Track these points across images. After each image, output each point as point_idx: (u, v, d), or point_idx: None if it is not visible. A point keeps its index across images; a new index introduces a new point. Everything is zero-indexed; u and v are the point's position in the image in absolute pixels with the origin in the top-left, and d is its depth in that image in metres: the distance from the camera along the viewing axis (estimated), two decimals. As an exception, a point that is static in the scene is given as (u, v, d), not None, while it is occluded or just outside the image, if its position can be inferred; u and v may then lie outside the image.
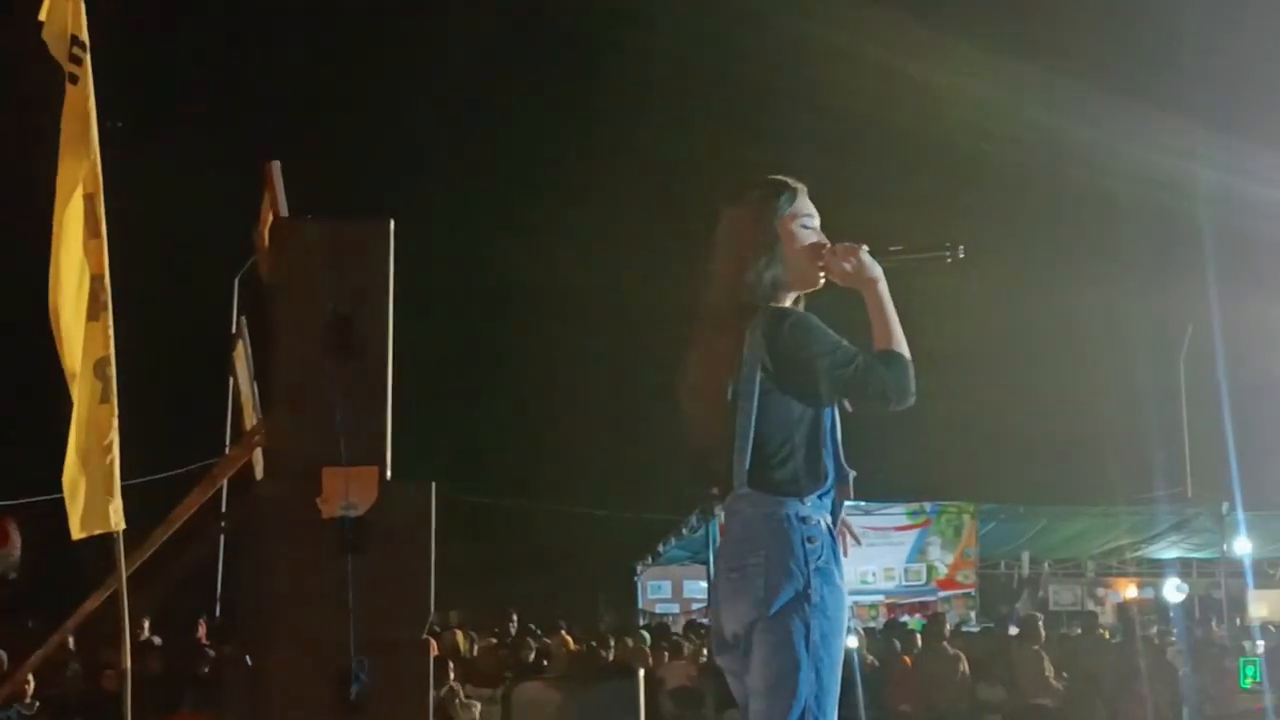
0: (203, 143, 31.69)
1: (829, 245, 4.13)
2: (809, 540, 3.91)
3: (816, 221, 4.18)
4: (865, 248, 4.10)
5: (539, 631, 17.80)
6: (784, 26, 30.43)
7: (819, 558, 3.91)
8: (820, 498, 3.97)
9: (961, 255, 4.11)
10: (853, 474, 4.06)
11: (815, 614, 3.87)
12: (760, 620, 3.86)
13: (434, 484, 5.68)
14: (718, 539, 22.24)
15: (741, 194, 4.19)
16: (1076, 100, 29.51)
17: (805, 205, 4.17)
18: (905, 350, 4.02)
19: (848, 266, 4.08)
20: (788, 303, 4.12)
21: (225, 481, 6.78)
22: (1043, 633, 16.19)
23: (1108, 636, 17.54)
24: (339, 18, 36.80)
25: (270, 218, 6.16)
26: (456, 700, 13.43)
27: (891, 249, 4.14)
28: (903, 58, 30.15)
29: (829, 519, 3.99)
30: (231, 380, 8.95)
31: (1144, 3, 33.17)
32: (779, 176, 4.21)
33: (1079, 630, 17.79)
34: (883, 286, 4.08)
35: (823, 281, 4.14)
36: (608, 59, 36.33)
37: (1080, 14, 33.58)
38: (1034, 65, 29.77)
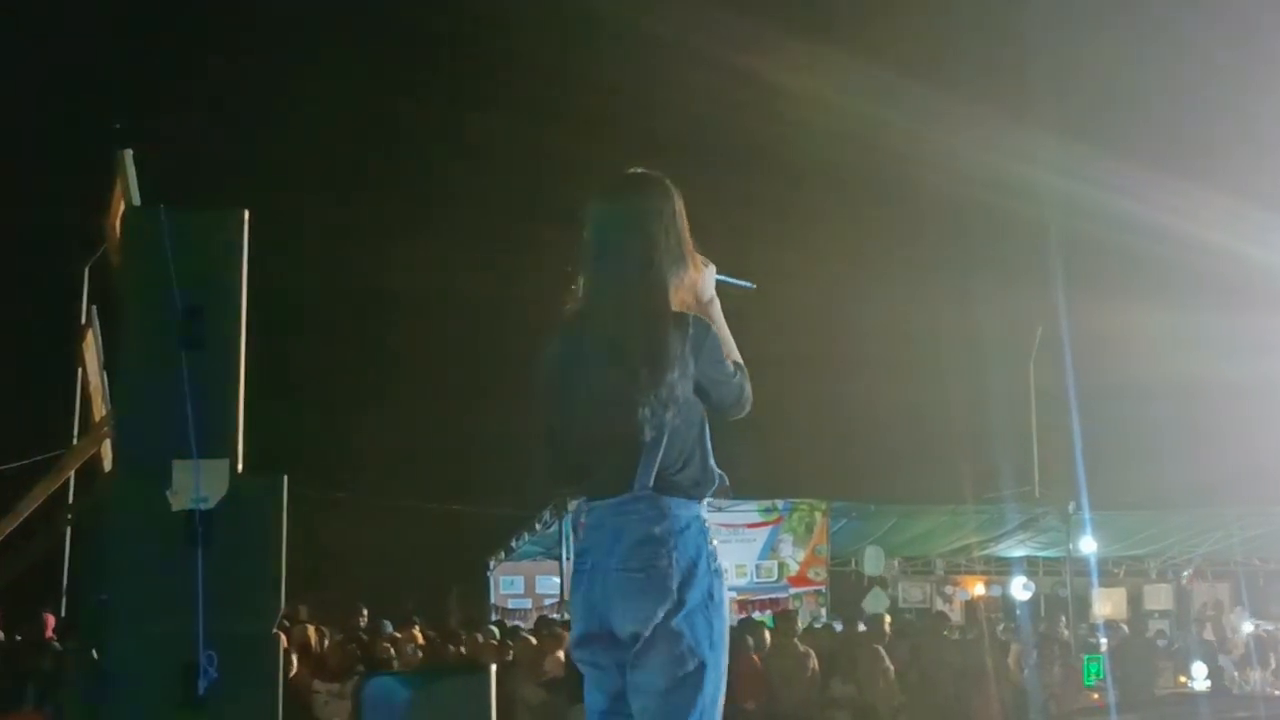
0: (55, 128, 31.19)
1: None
2: (709, 542, 3.99)
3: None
4: (712, 265, 4.17)
5: (390, 626, 17.69)
6: (634, 27, 30.47)
7: (715, 558, 3.99)
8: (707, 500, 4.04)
9: (754, 289, 4.33)
10: (725, 478, 4.12)
11: (716, 613, 3.96)
12: (669, 621, 3.89)
13: (285, 477, 5.65)
14: (574, 536, 22.18)
15: (664, 190, 4.15)
16: (925, 105, 29.84)
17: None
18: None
19: (700, 278, 4.14)
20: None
21: (73, 473, 6.70)
22: (888, 631, 16.38)
23: (951, 634, 17.75)
24: (205, 6, 36.42)
25: (121, 207, 6.10)
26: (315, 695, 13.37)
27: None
28: (753, 60, 30.33)
29: None
30: (80, 370, 8.83)
31: (991, 10, 33.60)
32: (665, 178, 4.21)
33: (918, 631, 17.96)
34: (718, 303, 4.21)
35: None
36: (460, 60, 36.29)
37: (928, 19, 33.98)
38: (885, 70, 30.05)
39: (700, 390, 3.99)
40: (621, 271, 4.05)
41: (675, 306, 4.02)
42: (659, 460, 3.93)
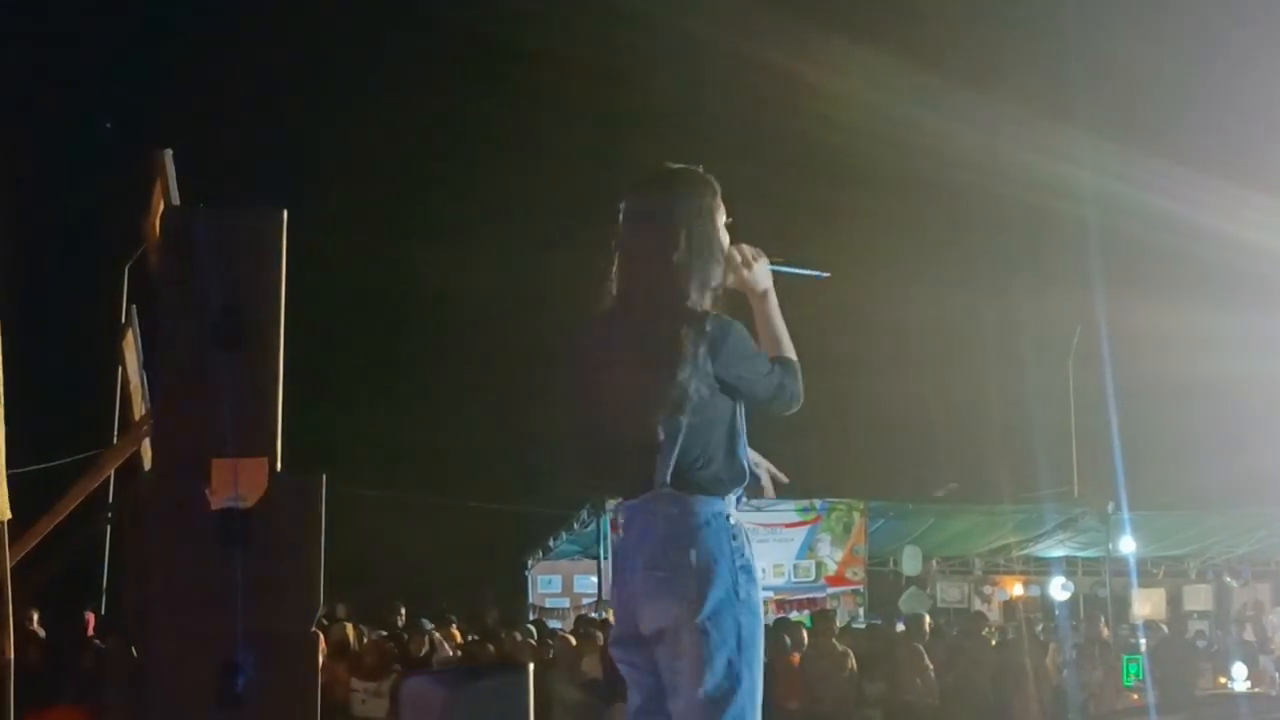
0: (94, 129, 31.33)
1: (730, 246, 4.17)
2: (733, 538, 3.96)
3: (726, 220, 4.20)
4: (764, 255, 4.14)
5: (428, 625, 17.74)
6: (676, 27, 30.45)
7: (742, 555, 3.96)
8: (737, 497, 4.02)
9: (827, 277, 4.30)
10: (760, 474, 4.12)
11: (744, 611, 3.92)
12: (693, 620, 3.88)
13: (324, 476, 5.66)
14: (612, 535, 22.28)
15: (692, 187, 4.15)
16: (966, 105, 29.74)
17: (721, 204, 4.18)
18: (795, 356, 4.10)
19: (747, 272, 4.12)
20: (708, 302, 4.11)
21: (113, 472, 6.72)
22: (928, 631, 16.33)
23: (991, 635, 17.70)
24: (239, 7, 36.50)
25: (161, 206, 6.11)
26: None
27: (773, 260, 4.18)
28: (795, 60, 30.27)
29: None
30: (120, 369, 8.86)
31: (1032, 9, 33.50)
32: (702, 171, 4.20)
33: (955, 631, 17.91)
34: (774, 294, 4.16)
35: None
36: (510, 61, 36.25)
37: (969, 20, 33.87)
38: (924, 70, 29.97)
39: (727, 388, 3.97)
40: (641, 269, 4.07)
41: (705, 304, 4.01)
42: (676, 457, 3.93)
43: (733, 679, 3.88)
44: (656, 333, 3.95)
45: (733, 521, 3.99)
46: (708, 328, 3.93)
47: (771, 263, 4.18)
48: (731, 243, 4.16)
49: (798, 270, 4.27)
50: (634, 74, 32.80)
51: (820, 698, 14.35)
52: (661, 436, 3.91)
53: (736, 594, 3.91)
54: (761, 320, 4.13)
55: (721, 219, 4.14)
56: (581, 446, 4.18)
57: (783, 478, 4.37)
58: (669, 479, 3.94)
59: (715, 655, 3.87)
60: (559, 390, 4.21)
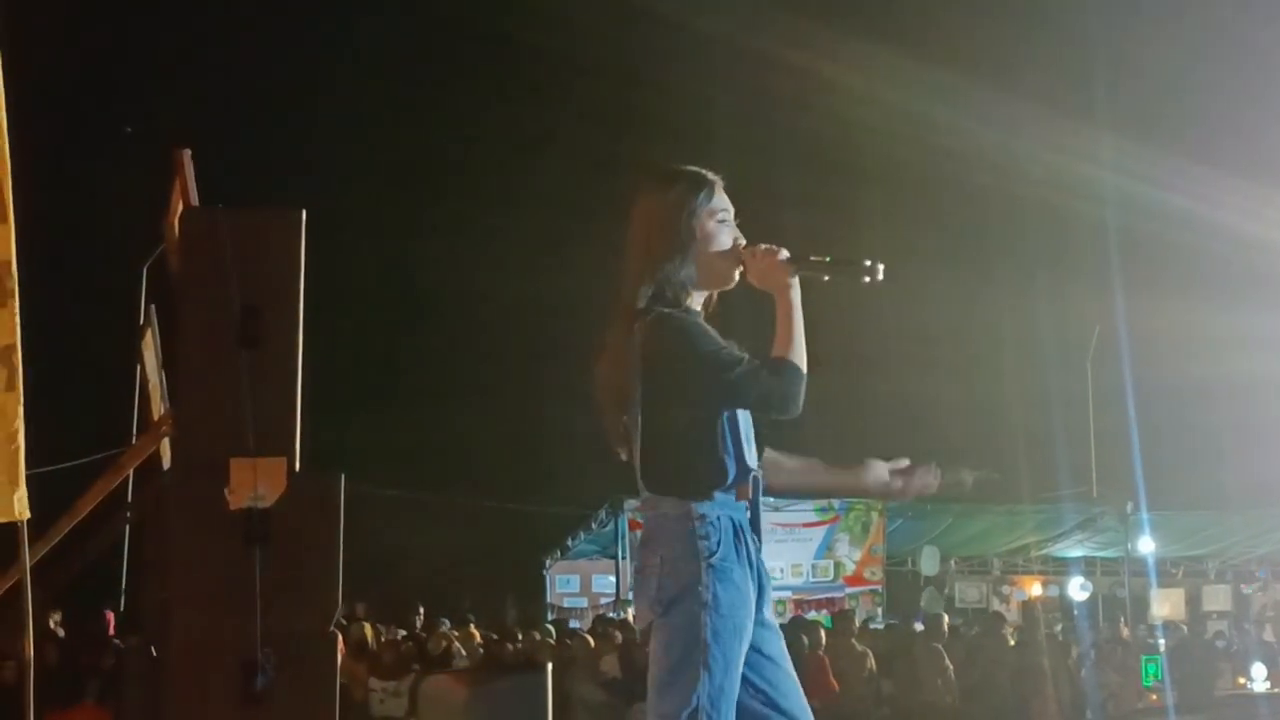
0: (113, 128, 31.36)
1: (746, 244, 4.13)
2: (703, 538, 3.91)
3: (731, 215, 4.16)
4: (785, 252, 4.09)
5: (447, 625, 17.76)
6: (692, 25, 30.42)
7: (713, 555, 3.90)
8: (724, 496, 3.98)
9: (880, 275, 4.09)
10: (758, 473, 4.08)
11: (708, 612, 3.87)
12: (655, 619, 3.91)
13: (343, 476, 5.67)
14: (626, 536, 22.37)
15: (658, 183, 4.15)
16: (986, 104, 29.69)
17: (722, 200, 4.14)
18: (801, 361, 3.98)
19: (765, 269, 4.09)
20: (699, 302, 4.10)
21: (131, 471, 6.73)
22: (946, 631, 16.33)
23: (1011, 635, 17.67)
24: (256, 8, 36.53)
25: (180, 206, 6.12)
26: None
27: (813, 258, 4.11)
28: (810, 59, 30.22)
29: (735, 517, 3.98)
30: (139, 369, 8.87)
31: (1051, 8, 33.44)
32: (697, 169, 4.18)
33: (975, 630, 17.89)
34: (795, 294, 4.05)
35: (737, 281, 4.14)
36: (523, 60, 36.28)
37: (989, 18, 33.80)
38: (943, 69, 29.94)
39: (665, 386, 3.93)
40: (618, 272, 4.11)
41: (667, 301, 4.00)
42: (650, 462, 3.96)
43: (693, 679, 3.84)
44: (619, 335, 3.99)
45: (708, 521, 3.92)
46: (646, 323, 3.93)
47: (810, 261, 4.11)
48: (748, 242, 4.14)
49: (841, 268, 4.12)
50: (649, 73, 32.76)
51: (839, 697, 14.34)
52: (636, 442, 3.96)
53: (700, 595, 3.86)
54: (779, 319, 4.08)
55: (708, 213, 4.09)
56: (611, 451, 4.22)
57: (934, 479, 4.45)
58: (643, 483, 3.99)
59: (668, 655, 3.87)
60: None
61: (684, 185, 4.12)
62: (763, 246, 4.10)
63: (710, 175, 4.17)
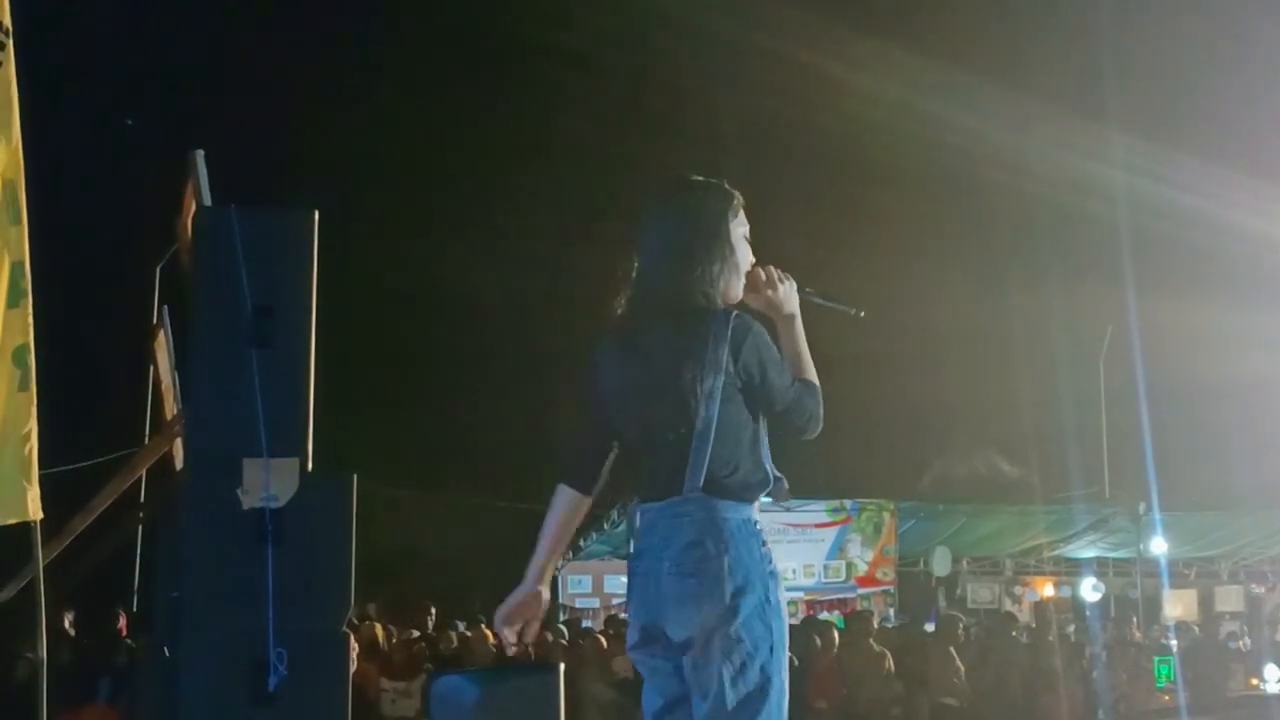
0: (126, 130, 31.41)
1: (756, 265, 4.16)
2: (763, 544, 3.93)
3: (748, 233, 4.19)
4: (791, 280, 4.14)
5: (460, 625, 17.76)
6: (701, 25, 30.41)
7: (770, 560, 3.93)
8: (761, 502, 4.00)
9: (862, 315, 4.28)
10: (783, 481, 4.09)
11: (775, 615, 3.89)
12: (727, 627, 3.83)
13: (355, 476, 5.68)
14: (637, 537, 22.20)
15: (693, 188, 4.15)
16: (996, 103, 29.66)
17: (743, 217, 4.16)
18: (818, 382, 4.09)
19: (772, 293, 4.11)
20: (720, 304, 4.10)
21: (145, 471, 6.75)
22: (959, 632, 16.30)
23: (1021, 636, 17.66)
24: (265, 9, 36.58)
25: (193, 207, 6.14)
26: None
27: (806, 289, 4.19)
28: (822, 59, 30.20)
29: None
30: (152, 369, 8.89)
31: (1063, 8, 33.41)
32: (722, 182, 4.19)
33: (986, 631, 17.87)
34: (799, 319, 4.14)
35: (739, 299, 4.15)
36: (525, 59, 36.31)
37: (999, 17, 33.79)
38: (954, 68, 29.91)
39: (748, 390, 3.95)
40: (659, 271, 4.06)
41: (718, 305, 4.01)
42: (707, 462, 3.89)
43: (764, 685, 3.85)
44: (683, 332, 3.94)
45: (759, 527, 3.96)
46: (730, 326, 3.91)
47: (803, 292, 4.18)
48: (758, 264, 4.16)
49: (831, 303, 4.27)
50: (659, 73, 32.82)
51: (855, 698, 14.33)
52: (693, 440, 3.89)
53: (768, 599, 3.88)
54: (786, 343, 4.09)
55: (740, 230, 4.13)
56: (598, 448, 4.18)
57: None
58: (689, 480, 3.91)
59: (749, 663, 3.84)
60: (582, 392, 4.20)
61: (721, 195, 4.15)
62: (774, 270, 4.13)
63: (736, 191, 4.19)
